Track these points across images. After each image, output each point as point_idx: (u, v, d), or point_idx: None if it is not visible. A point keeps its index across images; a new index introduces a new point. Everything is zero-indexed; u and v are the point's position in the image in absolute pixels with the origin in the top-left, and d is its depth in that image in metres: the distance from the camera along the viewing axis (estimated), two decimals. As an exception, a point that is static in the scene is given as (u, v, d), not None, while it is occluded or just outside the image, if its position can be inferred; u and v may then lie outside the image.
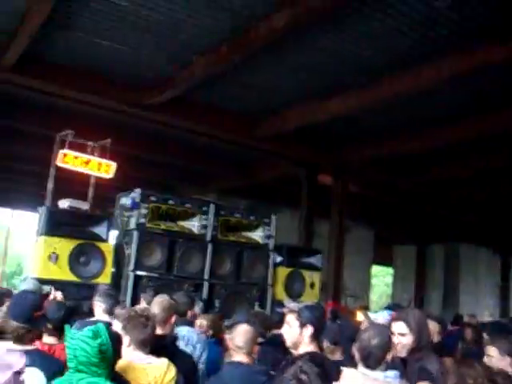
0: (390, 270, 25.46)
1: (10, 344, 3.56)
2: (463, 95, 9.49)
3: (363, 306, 14.64)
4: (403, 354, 4.01)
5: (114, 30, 8.17)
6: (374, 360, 3.52)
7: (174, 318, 4.82)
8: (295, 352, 3.97)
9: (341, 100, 9.76)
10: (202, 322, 6.38)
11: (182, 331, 5.48)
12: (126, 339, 3.84)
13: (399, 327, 4.09)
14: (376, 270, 25.45)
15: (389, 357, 3.60)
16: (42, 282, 7.26)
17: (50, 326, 4.23)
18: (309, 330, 3.94)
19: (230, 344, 4.22)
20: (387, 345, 3.62)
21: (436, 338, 7.17)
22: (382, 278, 35.93)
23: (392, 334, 3.96)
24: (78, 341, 3.20)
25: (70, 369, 3.21)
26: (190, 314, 6.25)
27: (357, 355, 3.62)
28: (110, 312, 5.53)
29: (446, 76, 8.25)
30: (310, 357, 3.10)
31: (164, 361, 3.95)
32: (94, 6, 7.52)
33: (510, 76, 8.39)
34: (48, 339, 4.27)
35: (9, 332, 3.61)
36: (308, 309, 4.07)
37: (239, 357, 4.09)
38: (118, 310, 5.40)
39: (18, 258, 39.60)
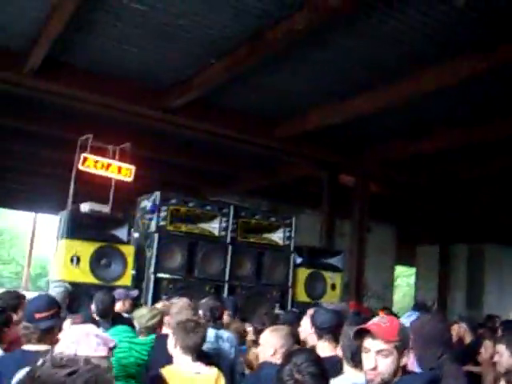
0: (413, 271, 25.22)
1: None
2: (488, 94, 9.36)
3: (385, 307, 14.52)
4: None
5: (135, 34, 8.22)
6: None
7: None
8: None
9: (361, 101, 9.70)
10: (236, 326, 6.36)
11: (225, 333, 5.52)
12: (173, 341, 3.82)
13: None
14: (399, 270, 25.19)
15: None
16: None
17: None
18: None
19: (264, 348, 4.12)
20: None
21: (467, 340, 7.14)
22: (404, 279, 35.68)
23: None
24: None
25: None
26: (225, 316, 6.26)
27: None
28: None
29: (465, 75, 8.18)
30: (308, 354, 3.04)
31: (214, 371, 3.81)
32: (115, 12, 7.57)
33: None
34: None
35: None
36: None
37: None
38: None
39: (43, 261, 39.96)
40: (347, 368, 3.43)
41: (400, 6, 6.90)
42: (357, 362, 3.31)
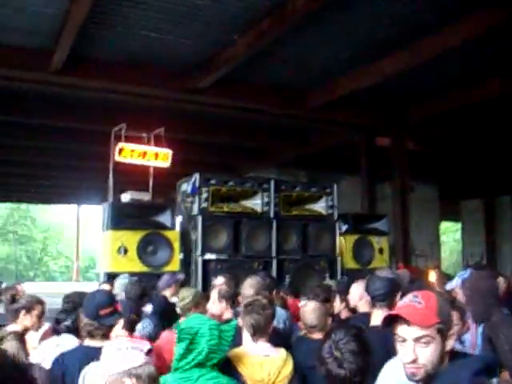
0: (459, 226, 24.90)
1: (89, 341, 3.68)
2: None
3: (435, 266, 14.39)
4: None
5: (154, 19, 8.15)
6: None
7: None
8: None
9: (388, 62, 9.53)
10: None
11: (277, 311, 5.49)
12: (241, 322, 3.78)
13: None
14: (444, 226, 24.91)
15: None
16: (115, 275, 7.41)
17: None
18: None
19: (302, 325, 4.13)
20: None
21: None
22: (451, 235, 35.30)
23: None
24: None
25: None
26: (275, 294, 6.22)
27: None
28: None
29: (500, 22, 7.92)
30: (347, 330, 2.92)
31: (282, 353, 3.69)
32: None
33: None
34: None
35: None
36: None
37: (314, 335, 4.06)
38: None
39: (91, 253, 40.70)
40: None
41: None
42: None
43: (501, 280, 5.93)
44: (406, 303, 2.38)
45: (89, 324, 3.67)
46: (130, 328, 4.30)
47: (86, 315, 3.72)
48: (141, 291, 5.69)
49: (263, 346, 3.70)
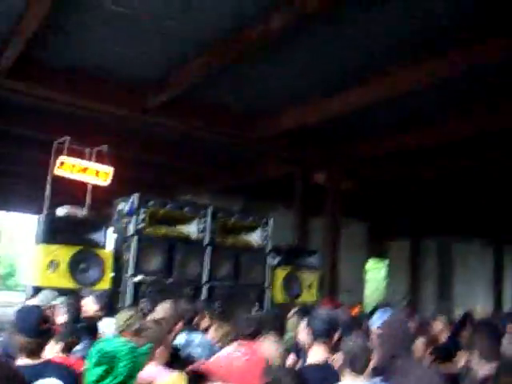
0: (384, 264, 25.55)
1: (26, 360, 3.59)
2: (471, 88, 9.43)
3: (358, 302, 14.71)
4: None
5: (110, 33, 8.09)
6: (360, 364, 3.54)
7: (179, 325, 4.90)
8: None
9: (334, 101, 9.80)
10: (216, 332, 6.27)
11: (197, 337, 5.48)
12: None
13: None
14: (370, 263, 25.52)
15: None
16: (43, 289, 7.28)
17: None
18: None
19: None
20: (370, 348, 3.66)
21: (442, 338, 7.25)
22: (376, 272, 36.02)
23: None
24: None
25: None
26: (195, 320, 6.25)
27: (341, 361, 3.65)
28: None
29: (443, 74, 8.29)
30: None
31: (173, 375, 3.74)
32: (91, 10, 7.49)
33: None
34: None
35: (16, 347, 3.63)
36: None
37: None
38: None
39: (11, 259, 39.48)
40: (347, 374, 3.53)
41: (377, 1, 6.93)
42: (357, 368, 3.45)
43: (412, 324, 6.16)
44: None
45: (27, 342, 3.57)
46: (68, 350, 4.29)
47: (24, 331, 3.61)
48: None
49: (152, 369, 3.70)
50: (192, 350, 5.21)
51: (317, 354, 4.14)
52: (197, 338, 5.48)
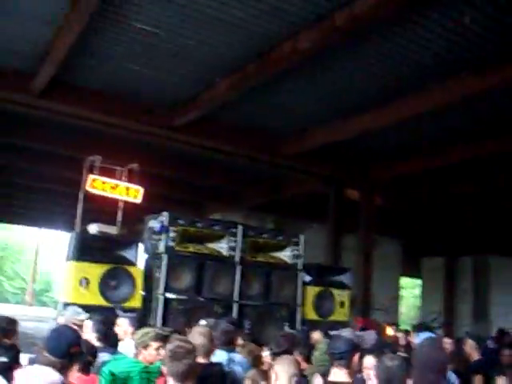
0: (419, 282, 25.18)
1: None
2: (488, 112, 9.39)
3: (392, 323, 14.46)
4: None
5: (140, 54, 8.28)
6: None
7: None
8: None
9: (365, 118, 9.76)
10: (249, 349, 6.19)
11: (237, 356, 5.44)
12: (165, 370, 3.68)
13: None
14: (404, 281, 25.18)
15: None
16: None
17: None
18: None
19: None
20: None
21: (474, 357, 7.09)
22: (410, 290, 35.61)
23: None
24: None
25: None
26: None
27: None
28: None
29: (471, 92, 8.21)
30: None
31: None
32: (119, 33, 7.62)
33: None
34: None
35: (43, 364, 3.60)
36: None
37: None
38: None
39: (47, 276, 39.98)
40: None
41: (403, 23, 6.92)
42: None
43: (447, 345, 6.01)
44: None
45: (53, 361, 3.52)
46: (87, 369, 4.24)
47: (53, 352, 3.59)
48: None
49: None
50: (234, 367, 5.18)
51: (335, 375, 4.14)
52: (235, 356, 5.45)
